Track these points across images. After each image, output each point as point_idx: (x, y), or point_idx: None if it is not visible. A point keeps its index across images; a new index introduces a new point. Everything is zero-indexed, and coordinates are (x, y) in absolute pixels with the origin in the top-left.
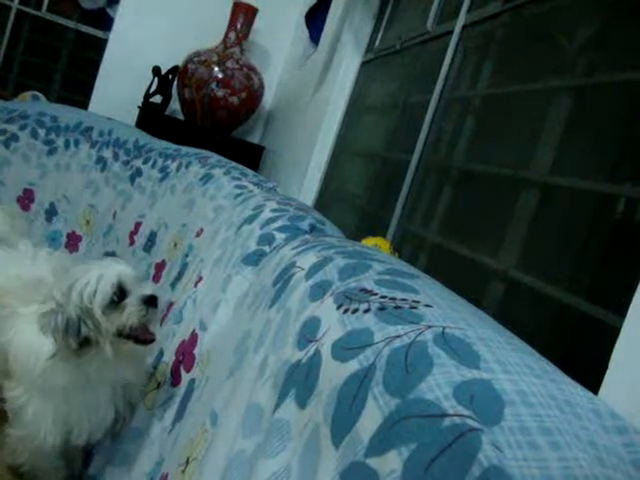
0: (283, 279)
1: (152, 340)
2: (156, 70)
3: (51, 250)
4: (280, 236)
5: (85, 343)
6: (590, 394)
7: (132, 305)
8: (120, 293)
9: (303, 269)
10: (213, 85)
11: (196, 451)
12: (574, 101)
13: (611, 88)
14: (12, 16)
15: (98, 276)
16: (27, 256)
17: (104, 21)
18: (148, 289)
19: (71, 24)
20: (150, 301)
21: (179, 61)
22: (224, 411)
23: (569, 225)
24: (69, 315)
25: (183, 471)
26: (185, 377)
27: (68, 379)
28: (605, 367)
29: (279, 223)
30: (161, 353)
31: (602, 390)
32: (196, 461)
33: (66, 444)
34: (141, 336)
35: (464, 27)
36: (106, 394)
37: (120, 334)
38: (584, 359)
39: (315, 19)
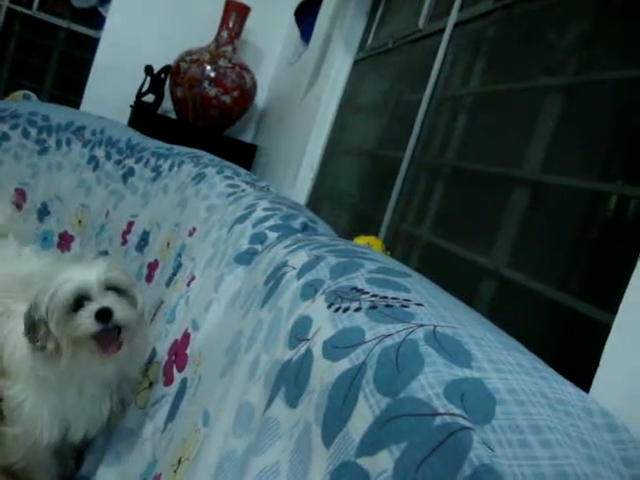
0: (275, 278)
1: (111, 353)
2: (148, 69)
3: (36, 247)
4: (272, 235)
5: (48, 345)
6: (581, 392)
7: (83, 317)
8: (78, 302)
9: (295, 268)
10: (205, 84)
11: (188, 451)
12: (565, 99)
13: (602, 86)
14: (3, 15)
15: (61, 282)
16: (15, 253)
17: (96, 20)
18: (107, 300)
19: (63, 23)
20: (102, 315)
21: (171, 60)
22: (216, 411)
23: (560, 223)
24: (36, 317)
25: (175, 471)
26: (177, 377)
27: (54, 373)
28: (596, 365)
29: (271, 222)
30: (153, 352)
31: (593, 388)
32: (188, 461)
33: (62, 441)
34: (100, 347)
35: (456, 25)
36: (99, 390)
37: (78, 341)
38: (575, 357)
39: (305, 17)
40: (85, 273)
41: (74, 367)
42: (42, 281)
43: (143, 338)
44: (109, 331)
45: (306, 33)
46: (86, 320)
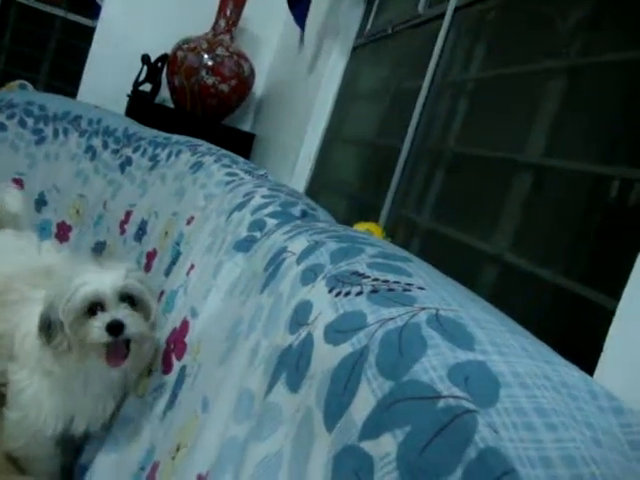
0: (274, 264)
1: (116, 365)
2: (145, 58)
3: (55, 242)
4: (271, 222)
5: (50, 344)
6: (586, 375)
7: (95, 327)
8: (93, 309)
9: (294, 254)
10: (203, 73)
11: (186, 438)
12: (568, 82)
13: (605, 68)
14: None
15: (78, 285)
16: (34, 246)
17: (92, 9)
18: (121, 313)
19: (59, 12)
20: (113, 328)
21: (168, 49)
22: (215, 397)
23: (563, 207)
24: (51, 317)
25: (173, 458)
26: (176, 365)
27: (62, 369)
28: (600, 349)
29: (270, 209)
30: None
31: (597, 372)
32: (186, 448)
33: (65, 432)
34: (107, 356)
35: (456, 10)
36: (104, 389)
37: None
38: (579, 342)
39: (298, 1)
40: (101, 279)
41: (81, 366)
42: (59, 281)
43: (151, 345)
44: (118, 343)
45: (299, 18)
46: (97, 330)
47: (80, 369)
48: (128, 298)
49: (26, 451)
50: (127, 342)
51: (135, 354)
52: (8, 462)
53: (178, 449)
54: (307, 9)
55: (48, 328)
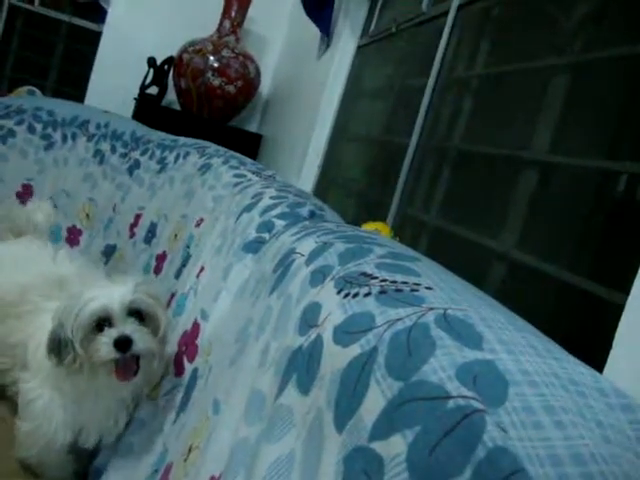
0: (283, 265)
1: (124, 380)
2: (151, 61)
3: (68, 249)
4: (280, 223)
5: (61, 363)
6: (594, 372)
7: (102, 343)
8: (101, 324)
9: (303, 255)
10: (209, 74)
11: (198, 439)
12: (573, 78)
13: (610, 64)
14: (5, 11)
15: (86, 301)
16: (48, 255)
17: (98, 14)
18: (129, 328)
19: (64, 17)
20: (121, 344)
21: (174, 51)
22: (226, 399)
23: (570, 204)
24: (62, 335)
25: (185, 460)
26: (188, 367)
27: (71, 385)
28: (609, 346)
29: (278, 210)
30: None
31: (606, 369)
32: (198, 449)
33: (76, 443)
34: (115, 372)
35: (459, 7)
36: (115, 404)
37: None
38: (588, 338)
39: (319, 10)
40: (110, 294)
41: (92, 383)
42: (69, 297)
43: (162, 359)
44: (127, 359)
45: (324, 24)
46: (105, 346)
47: (90, 386)
48: (136, 313)
49: (38, 459)
50: (137, 358)
51: (145, 369)
52: (21, 467)
53: (190, 450)
54: (331, 15)
55: (58, 347)
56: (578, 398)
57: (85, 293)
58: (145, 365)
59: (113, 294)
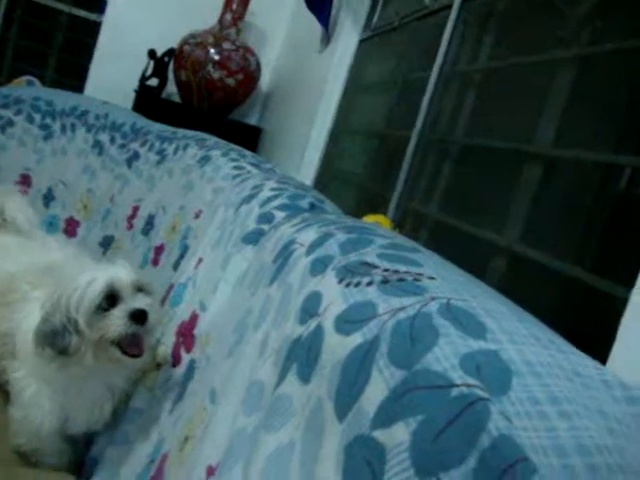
0: (283, 256)
1: (137, 356)
2: (152, 53)
3: (59, 237)
4: (280, 214)
5: (64, 352)
6: (599, 365)
7: (117, 317)
8: (109, 301)
9: (303, 245)
10: (209, 67)
11: (194, 429)
12: (577, 71)
13: (614, 57)
14: (5, 0)
15: (88, 281)
16: (38, 243)
17: (98, 4)
18: (140, 302)
19: (64, 7)
20: (137, 317)
21: (175, 43)
22: (223, 389)
23: (573, 197)
24: (53, 325)
25: (181, 449)
26: (185, 358)
27: (58, 375)
28: (612, 339)
29: (278, 202)
30: (161, 334)
31: (609, 362)
32: (194, 439)
33: (65, 430)
34: (127, 348)
35: (463, 0)
36: (103, 392)
37: (104, 342)
38: (591, 332)
39: (320, 3)
40: (113, 272)
41: (83, 370)
42: (60, 285)
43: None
44: (141, 332)
45: (323, 18)
46: (119, 321)
47: (80, 374)
48: (140, 290)
49: (31, 447)
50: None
51: (148, 348)
52: (16, 455)
53: (186, 440)
54: (330, 9)
55: (53, 337)
56: (582, 389)
57: (82, 276)
58: (149, 341)
59: (117, 272)
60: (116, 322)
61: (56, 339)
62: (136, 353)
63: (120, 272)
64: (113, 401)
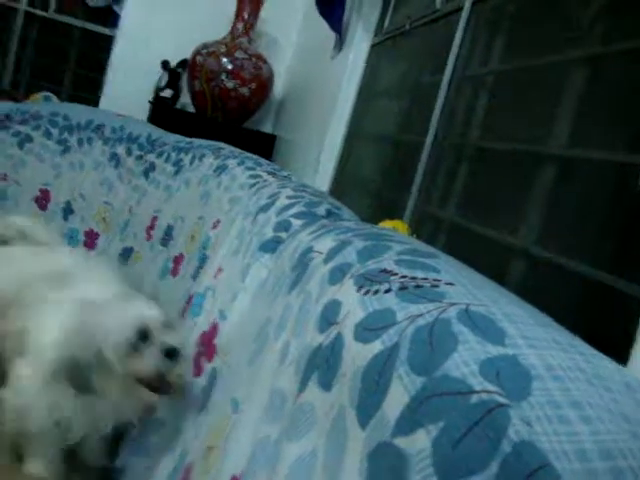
0: (301, 264)
1: (167, 392)
2: (165, 64)
3: (69, 247)
4: (297, 222)
5: (85, 390)
6: (620, 367)
7: (152, 356)
8: (141, 338)
9: (321, 253)
10: (223, 76)
11: (217, 439)
12: (590, 72)
13: (627, 56)
14: (21, 19)
15: (119, 316)
16: (50, 249)
17: (111, 18)
18: (172, 339)
19: (77, 23)
20: (171, 354)
21: (187, 54)
22: (245, 398)
23: (590, 198)
24: (74, 359)
25: (206, 459)
26: (207, 367)
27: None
28: (633, 340)
29: (295, 210)
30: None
31: (630, 363)
32: (217, 449)
33: (59, 428)
34: (155, 384)
35: (474, 3)
36: (109, 412)
37: (132, 379)
38: (610, 333)
39: (331, 8)
40: (140, 309)
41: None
42: (81, 329)
43: None
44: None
45: (335, 23)
46: (154, 359)
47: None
48: (167, 325)
49: (19, 426)
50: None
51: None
52: (13, 444)
53: (210, 450)
54: (342, 14)
55: (75, 372)
56: (604, 393)
57: (111, 310)
58: (178, 379)
59: (141, 310)
60: (151, 361)
61: (78, 375)
62: (166, 391)
63: (150, 309)
64: (116, 421)
